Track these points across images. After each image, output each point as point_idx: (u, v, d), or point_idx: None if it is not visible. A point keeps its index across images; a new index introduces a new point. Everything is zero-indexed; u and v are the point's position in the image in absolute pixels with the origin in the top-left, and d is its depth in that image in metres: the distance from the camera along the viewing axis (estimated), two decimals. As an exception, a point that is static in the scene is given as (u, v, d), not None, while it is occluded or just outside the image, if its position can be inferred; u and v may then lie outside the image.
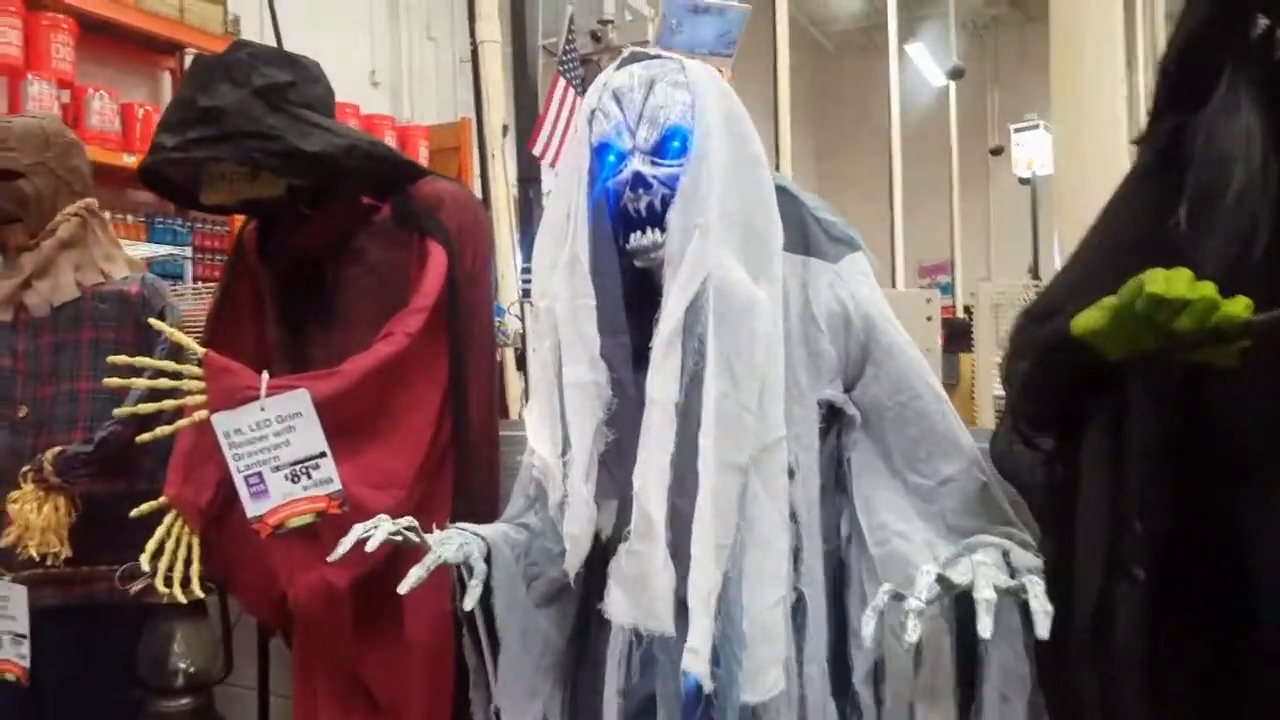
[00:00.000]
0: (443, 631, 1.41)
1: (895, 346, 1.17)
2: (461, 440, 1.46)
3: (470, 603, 1.14)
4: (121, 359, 1.32)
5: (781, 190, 1.18)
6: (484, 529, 1.22)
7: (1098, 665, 0.89)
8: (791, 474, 1.12)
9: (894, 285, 6.96)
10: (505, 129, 3.82)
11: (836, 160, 9.41)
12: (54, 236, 1.68)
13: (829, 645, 1.13)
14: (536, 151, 3.11)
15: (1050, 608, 0.88)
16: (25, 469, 1.57)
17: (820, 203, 1.25)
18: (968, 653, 1.00)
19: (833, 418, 1.18)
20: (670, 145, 1.12)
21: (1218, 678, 0.94)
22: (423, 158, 4.97)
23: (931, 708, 1.03)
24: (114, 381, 1.34)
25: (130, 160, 3.91)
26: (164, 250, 3.36)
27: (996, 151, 8.19)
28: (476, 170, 4.18)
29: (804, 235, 1.20)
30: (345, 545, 1.12)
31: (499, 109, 3.83)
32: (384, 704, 1.47)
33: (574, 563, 1.14)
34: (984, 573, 0.92)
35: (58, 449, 1.57)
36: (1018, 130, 7.22)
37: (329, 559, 1.13)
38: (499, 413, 1.65)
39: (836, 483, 1.18)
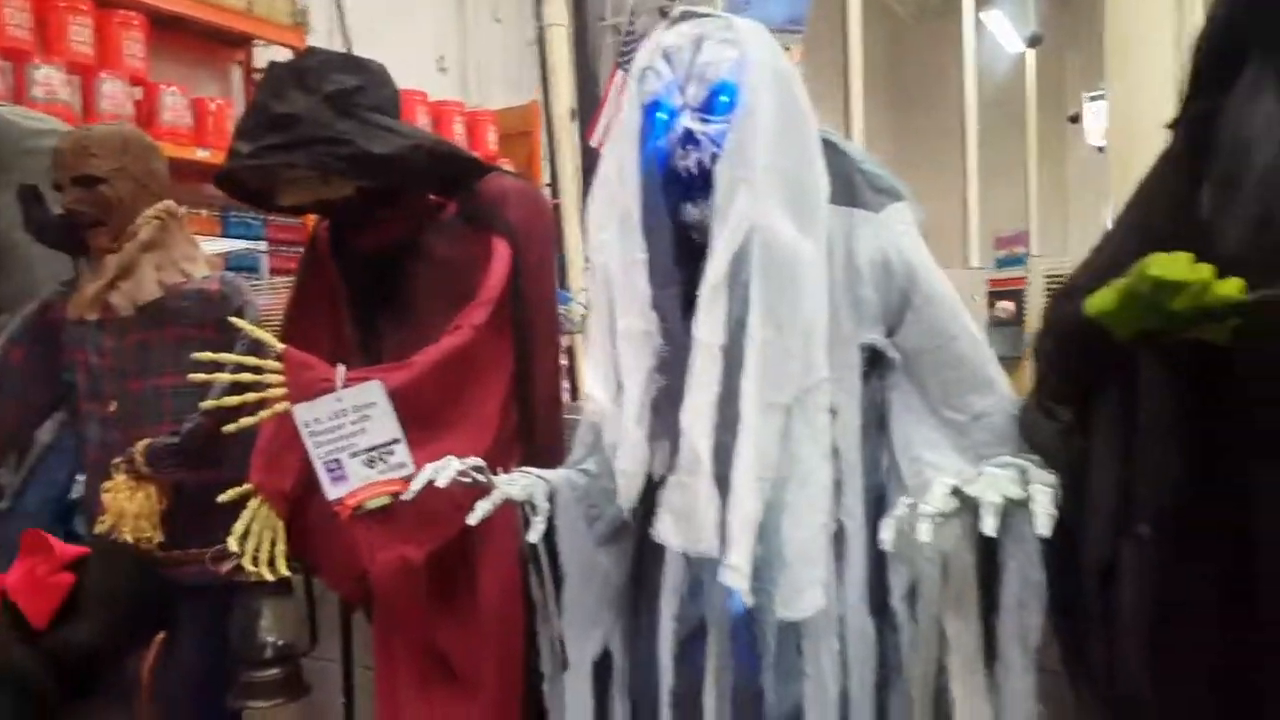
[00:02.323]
0: (512, 602, 1.51)
1: (935, 293, 1.24)
2: (527, 427, 1.55)
3: (534, 536, 1.27)
4: (205, 355, 1.43)
5: (828, 144, 1.24)
6: (548, 473, 1.34)
7: (1106, 620, 0.95)
8: (834, 414, 1.20)
9: (966, 256, 6.91)
10: (573, 113, 3.89)
11: (913, 129, 9.29)
12: (136, 239, 1.80)
13: (869, 571, 1.21)
14: (594, 143, 3.17)
15: (1054, 511, 0.98)
16: (117, 460, 1.70)
17: (866, 155, 1.30)
18: (990, 565, 1.09)
19: (875, 361, 1.26)
20: (718, 101, 1.18)
21: (1224, 645, 1.01)
22: (491, 143, 5.08)
23: (957, 616, 1.11)
24: (199, 376, 1.46)
25: (203, 155, 4.09)
26: (239, 245, 3.51)
27: (1075, 119, 8.03)
28: (547, 154, 4.26)
29: (849, 187, 1.26)
30: (418, 485, 1.25)
31: (566, 93, 3.90)
32: (459, 671, 1.58)
33: (627, 497, 1.24)
34: (991, 482, 1.02)
35: (147, 441, 1.69)
36: (1091, 99, 7.08)
37: (406, 495, 1.27)
38: (564, 399, 1.73)
39: (879, 422, 1.25)
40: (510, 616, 1.52)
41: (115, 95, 3.98)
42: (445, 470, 1.23)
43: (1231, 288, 0.88)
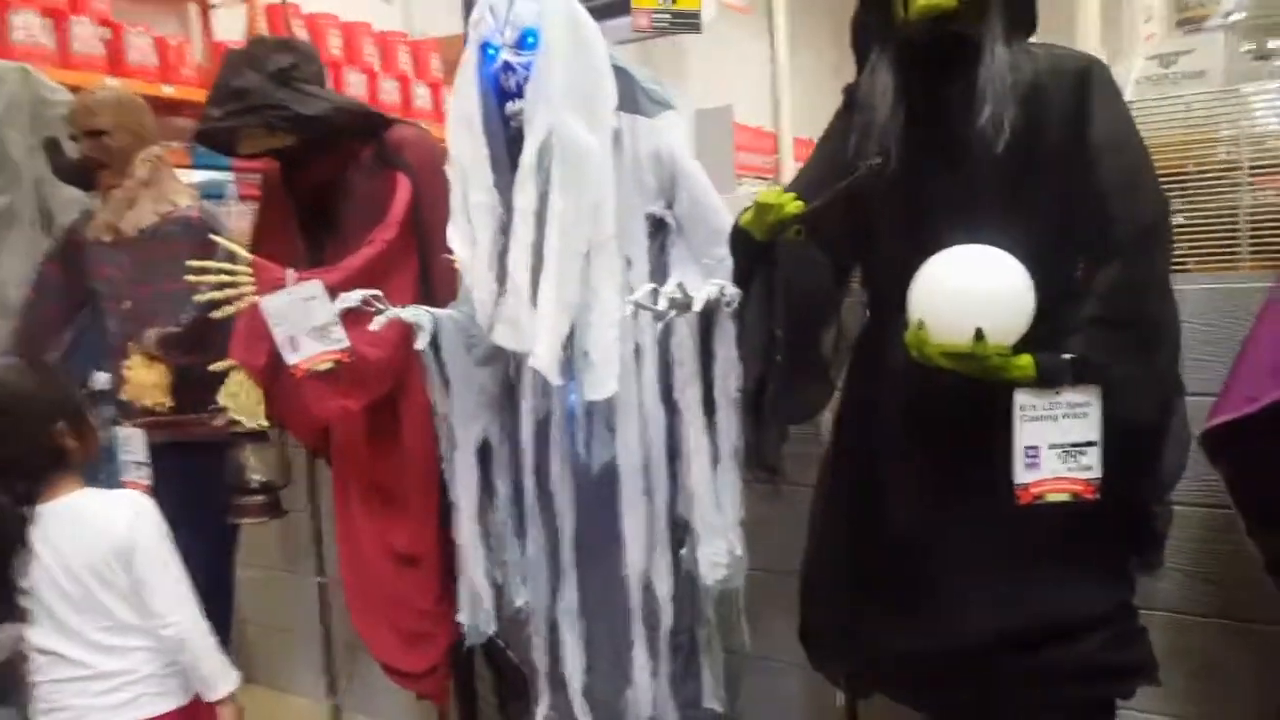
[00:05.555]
0: (428, 444, 2.12)
1: (691, 175, 1.82)
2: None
3: (420, 344, 1.88)
4: (195, 264, 2.08)
5: (619, 69, 1.79)
6: (433, 309, 1.94)
7: (755, 410, 1.63)
8: (630, 263, 1.79)
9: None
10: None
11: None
12: (135, 178, 2.44)
13: (659, 375, 1.81)
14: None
15: (692, 296, 1.61)
16: (134, 344, 2.35)
17: (649, 76, 1.87)
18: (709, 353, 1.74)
19: (660, 226, 1.85)
20: (526, 41, 1.71)
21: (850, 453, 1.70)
22: (435, 69, 5.56)
23: (689, 385, 1.75)
24: (192, 279, 2.10)
25: (169, 90, 4.54)
26: (208, 176, 4.10)
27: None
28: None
29: (634, 100, 1.81)
30: (338, 306, 1.88)
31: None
32: (393, 496, 2.26)
33: (482, 319, 1.80)
34: (679, 286, 1.60)
35: (156, 329, 2.34)
36: None
37: (335, 309, 1.91)
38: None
39: (664, 270, 1.83)
40: (426, 454, 2.15)
41: (86, 37, 4.43)
42: (352, 296, 1.86)
43: (794, 208, 1.54)
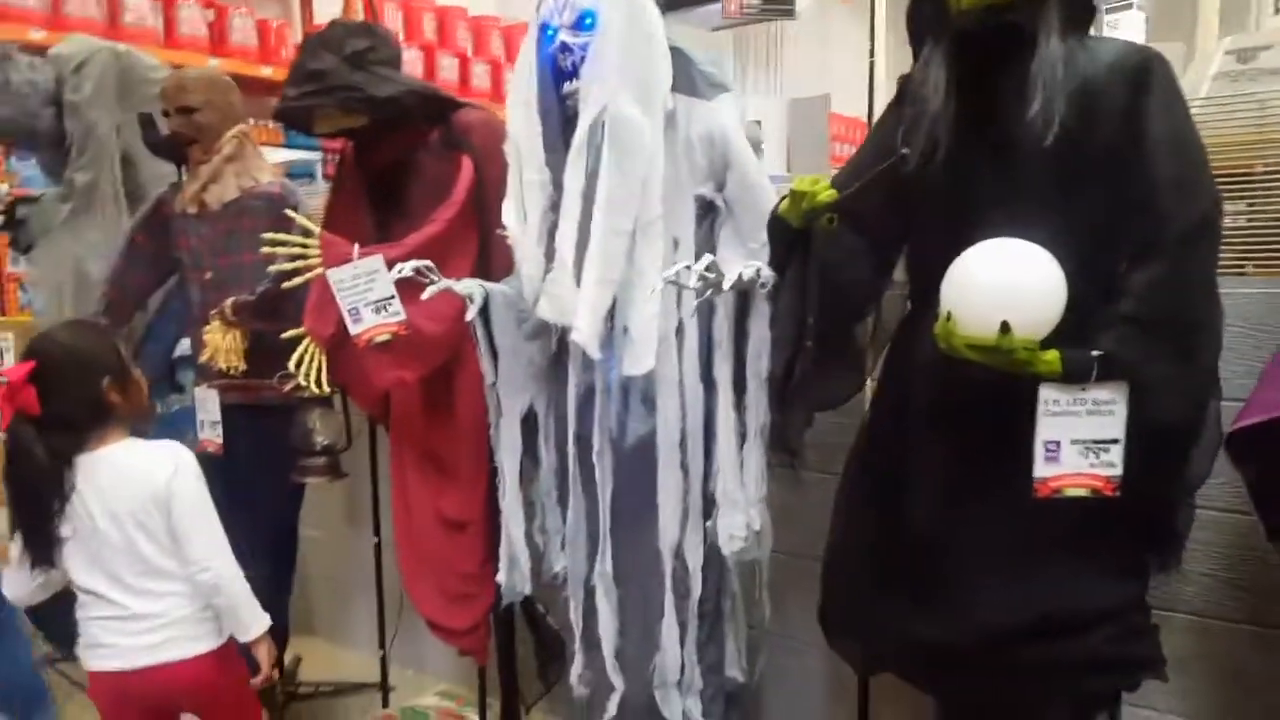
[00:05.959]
0: (480, 415, 2.24)
1: (742, 158, 1.84)
2: (488, 289, 2.30)
3: (470, 315, 1.95)
4: (270, 236, 2.21)
5: (677, 51, 1.82)
6: (487, 283, 2.01)
7: (781, 394, 1.68)
8: (677, 243, 1.83)
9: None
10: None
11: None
12: (221, 153, 2.60)
13: (700, 353, 1.86)
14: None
15: (726, 276, 1.64)
16: (213, 311, 2.51)
17: (707, 59, 1.89)
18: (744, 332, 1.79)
19: (709, 208, 1.88)
20: (584, 22, 1.78)
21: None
22: (525, 54, 5.68)
23: (723, 362, 1.81)
24: (267, 250, 2.25)
25: (267, 71, 4.78)
26: (298, 155, 4.28)
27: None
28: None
29: (691, 82, 1.84)
30: (394, 274, 1.95)
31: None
32: (445, 463, 2.38)
33: (529, 293, 1.89)
34: (710, 266, 1.62)
35: (233, 298, 2.50)
36: (1109, 10, 7.15)
37: (392, 276, 1.98)
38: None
39: (712, 251, 1.83)
40: (478, 425, 2.25)
41: (192, 20, 4.69)
42: (406, 268, 1.94)
43: (827, 196, 1.58)
